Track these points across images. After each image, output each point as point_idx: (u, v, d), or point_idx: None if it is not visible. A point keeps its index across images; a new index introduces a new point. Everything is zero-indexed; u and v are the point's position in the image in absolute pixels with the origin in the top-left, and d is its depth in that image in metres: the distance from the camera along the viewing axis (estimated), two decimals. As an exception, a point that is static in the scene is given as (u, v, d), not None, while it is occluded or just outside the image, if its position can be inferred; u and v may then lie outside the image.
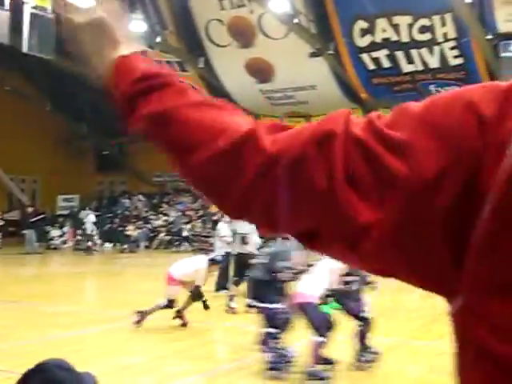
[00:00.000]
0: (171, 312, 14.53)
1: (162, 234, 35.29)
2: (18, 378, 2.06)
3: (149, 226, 36.64)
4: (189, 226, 35.05)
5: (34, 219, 33.22)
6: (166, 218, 37.33)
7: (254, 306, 9.80)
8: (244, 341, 11.59)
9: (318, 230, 1.02)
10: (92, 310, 14.91)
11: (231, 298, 14.80)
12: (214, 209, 35.11)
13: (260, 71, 32.86)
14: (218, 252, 17.63)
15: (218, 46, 32.70)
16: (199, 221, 35.43)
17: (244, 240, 13.88)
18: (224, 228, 17.98)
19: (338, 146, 1.01)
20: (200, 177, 1.14)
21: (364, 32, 29.58)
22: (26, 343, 11.03)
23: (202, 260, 13.53)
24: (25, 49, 30.07)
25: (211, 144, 1.10)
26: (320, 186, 0.99)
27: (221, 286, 17.37)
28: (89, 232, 33.06)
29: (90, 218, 33.56)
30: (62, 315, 14.42)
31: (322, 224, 1.01)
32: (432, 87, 30.63)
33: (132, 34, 1.32)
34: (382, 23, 29.09)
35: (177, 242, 34.09)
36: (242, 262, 14.56)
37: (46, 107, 40.30)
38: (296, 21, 29.23)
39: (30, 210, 34.61)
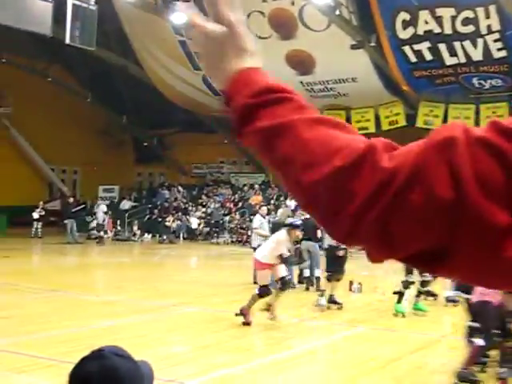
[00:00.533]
0: (212, 302, 14.59)
1: (201, 226, 35.39)
2: (75, 364, 2.05)
3: (188, 217, 36.77)
4: (227, 218, 35.11)
5: (75, 209, 33.51)
6: (204, 209, 37.42)
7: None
8: (285, 334, 11.58)
9: (449, 244, 0.93)
10: (133, 300, 14.99)
11: (322, 293, 14.41)
12: (252, 201, 35.15)
13: (301, 63, 32.69)
14: (254, 243, 17.74)
15: (258, 37, 32.57)
16: (238, 213, 35.46)
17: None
18: (257, 221, 18.07)
19: (461, 149, 0.95)
20: (312, 195, 1.05)
21: (406, 24, 29.26)
22: (66, 332, 11.13)
23: (280, 232, 13.41)
24: (67, 40, 30.29)
25: (327, 162, 1.04)
26: (447, 194, 0.93)
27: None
28: (100, 222, 33.03)
29: (101, 207, 33.38)
30: (103, 305, 14.52)
31: (454, 236, 0.93)
32: (475, 80, 30.25)
33: (255, 46, 1.29)
34: (424, 15, 28.74)
35: (215, 234, 34.15)
36: (333, 255, 14.09)
37: (86, 99, 40.61)
38: (337, 12, 29.01)
39: (70, 200, 34.93)
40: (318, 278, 16.79)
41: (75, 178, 46.41)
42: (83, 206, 38.05)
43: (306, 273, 16.92)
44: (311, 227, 17.05)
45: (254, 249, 16.59)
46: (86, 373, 1.98)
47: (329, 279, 13.85)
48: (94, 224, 34.93)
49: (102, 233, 32.37)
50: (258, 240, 17.49)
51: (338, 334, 11.60)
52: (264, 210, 19.19)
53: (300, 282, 17.58)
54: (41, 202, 34.59)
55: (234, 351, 10.18)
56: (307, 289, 16.73)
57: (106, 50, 35.87)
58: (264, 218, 18.36)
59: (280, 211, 20.21)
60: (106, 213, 33.27)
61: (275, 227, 17.91)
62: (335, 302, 14.03)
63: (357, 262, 26.01)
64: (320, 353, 10.68)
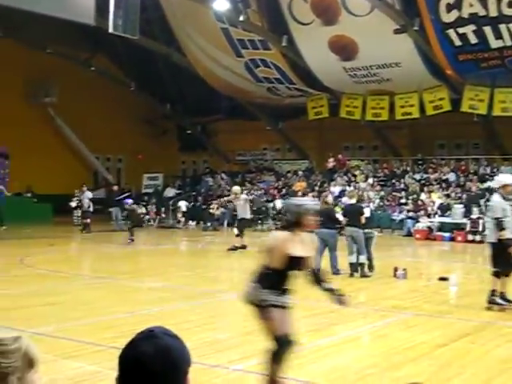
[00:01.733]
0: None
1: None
2: (125, 345, 2.07)
3: (232, 204, 36.83)
4: (271, 205, 35.12)
5: (120, 197, 33.80)
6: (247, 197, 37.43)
7: None
8: (329, 320, 11.57)
9: None
10: (178, 287, 15.11)
11: (493, 293, 12.76)
12: (296, 187, 35.12)
13: (343, 49, 32.52)
14: None
15: (301, 23, 32.49)
16: (282, 199, 35.41)
17: (499, 225, 12.48)
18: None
19: None
20: None
21: (450, 7, 28.90)
22: (113, 318, 11.25)
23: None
24: (110, 29, 30.51)
25: None
26: None
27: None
28: (85, 208, 31.85)
29: (86, 194, 32.24)
30: (149, 291, 14.66)
31: None
32: (521, 63, 29.80)
33: None
34: (469, -2, 28.42)
35: (259, 221, 34.17)
36: (504, 250, 12.79)
37: (130, 87, 40.91)
38: (380, -3, 28.83)
39: (115, 188, 35.25)
40: (362, 265, 16.75)
41: (120, 167, 46.83)
42: (128, 193, 38.37)
43: (351, 259, 16.87)
44: (355, 213, 17.01)
45: None
46: (140, 353, 2.00)
47: (497, 275, 12.82)
48: (139, 211, 35.08)
49: (88, 220, 31.39)
50: None
51: (383, 321, 11.56)
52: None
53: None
54: (76, 191, 34.50)
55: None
56: (351, 275, 16.67)
57: (148, 38, 36.05)
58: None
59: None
60: (91, 199, 32.32)
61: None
62: (508, 300, 12.96)
63: (402, 249, 25.93)
64: (364, 339, 10.66)
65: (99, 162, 44.36)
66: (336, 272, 16.81)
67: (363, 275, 16.63)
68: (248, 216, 23.96)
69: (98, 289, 14.85)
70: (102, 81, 39.94)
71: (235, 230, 23.29)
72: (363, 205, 19.22)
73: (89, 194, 32.14)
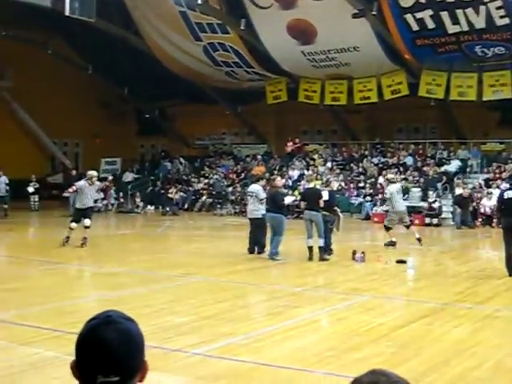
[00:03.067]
0: (216, 273, 14.67)
1: (204, 197, 35.42)
2: (82, 331, 2.03)
3: (191, 188, 36.82)
4: (230, 189, 35.12)
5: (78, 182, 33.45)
6: (207, 180, 37.42)
7: None
8: (288, 303, 11.62)
9: None
10: (137, 272, 15.04)
11: None
12: (255, 171, 35.14)
13: (302, 33, 32.47)
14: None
15: (259, 7, 32.37)
16: (241, 184, 35.45)
17: None
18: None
19: None
20: None
21: (408, -8, 29.06)
22: (71, 303, 11.19)
23: None
24: (67, 12, 30.18)
25: None
26: None
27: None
28: (3, 193, 31.25)
29: (2, 179, 31.54)
30: (108, 276, 14.59)
31: None
32: (477, 48, 30.02)
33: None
34: (426, -18, 28.58)
35: (219, 205, 34.17)
36: None
37: (87, 71, 40.45)
38: (339, -19, 28.84)
39: (73, 173, 34.91)
40: (321, 248, 16.80)
41: (77, 151, 46.39)
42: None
43: (309, 242, 16.89)
44: (313, 196, 17.04)
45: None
46: (104, 339, 1.96)
47: None
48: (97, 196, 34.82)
49: (5, 205, 30.92)
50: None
51: (342, 303, 11.64)
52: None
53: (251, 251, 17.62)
54: (33, 176, 34.34)
55: (237, 320, 10.23)
56: (310, 259, 16.72)
57: (106, 21, 35.64)
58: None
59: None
60: (7, 184, 31.91)
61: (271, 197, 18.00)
62: None
63: (360, 232, 26.13)
64: (323, 322, 10.73)
65: (56, 147, 43.85)
66: (272, 257, 16.80)
67: (322, 259, 16.69)
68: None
69: (56, 274, 14.72)
70: (59, 64, 39.40)
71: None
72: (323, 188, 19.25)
73: (5, 179, 31.65)
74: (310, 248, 16.83)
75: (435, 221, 27.98)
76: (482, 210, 27.53)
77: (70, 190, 22.17)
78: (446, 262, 18.13)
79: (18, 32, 36.67)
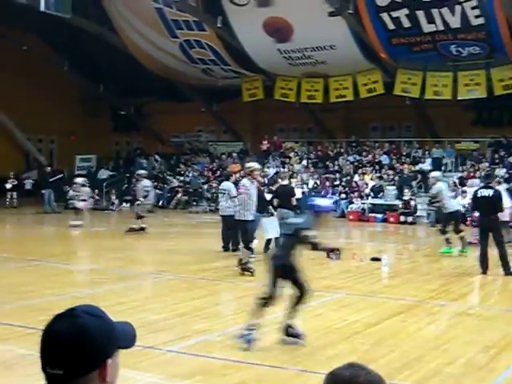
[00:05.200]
0: (190, 270, 14.64)
1: (180, 195, 35.33)
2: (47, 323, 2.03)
3: (166, 186, 36.71)
4: (206, 187, 35.06)
5: (52, 179, 33.30)
6: (182, 178, 37.35)
7: None
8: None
9: None
10: (111, 269, 14.97)
11: None
12: (231, 169, 35.08)
13: (278, 31, 32.49)
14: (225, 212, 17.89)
15: (236, 5, 32.34)
16: (216, 181, 35.38)
17: None
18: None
19: None
20: None
21: (384, -10, 29.17)
22: (44, 301, 11.10)
23: None
24: (42, 7, 29.98)
25: None
26: None
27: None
28: None
29: None
30: (82, 273, 14.52)
31: None
32: (452, 48, 30.22)
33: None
34: (402, -19, 28.71)
35: (194, 203, 34.10)
36: None
37: (63, 67, 40.16)
38: (315, -21, 28.89)
39: (47, 169, 34.70)
40: None
41: (52, 148, 46.07)
42: (61, 175, 37.79)
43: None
44: (286, 194, 17.02)
45: None
46: (55, 331, 1.96)
47: None
48: (72, 193, 34.70)
49: None
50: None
51: (317, 301, 11.63)
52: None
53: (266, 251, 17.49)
54: (11, 173, 34.27)
55: (212, 318, 10.22)
56: None
57: (81, 17, 35.44)
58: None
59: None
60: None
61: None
62: None
63: (335, 230, 26.19)
64: (298, 318, 10.72)
65: (31, 143, 43.53)
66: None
67: None
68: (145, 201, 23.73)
69: (29, 272, 14.61)
70: (35, 60, 39.06)
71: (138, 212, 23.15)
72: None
73: None
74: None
75: (410, 219, 28.12)
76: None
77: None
78: (420, 260, 18.22)
79: (-7, 27, 36.35)
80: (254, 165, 15.07)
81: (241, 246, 14.32)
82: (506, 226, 19.16)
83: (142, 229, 22.76)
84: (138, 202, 23.28)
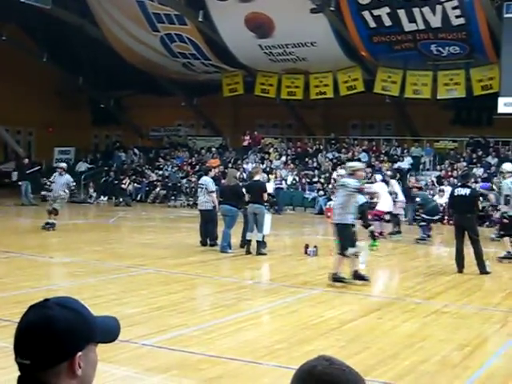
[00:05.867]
0: (168, 264, 14.62)
1: (158, 189, 35.25)
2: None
3: (145, 180, 36.61)
4: (185, 181, 35.01)
5: (30, 171, 33.11)
6: (161, 172, 37.27)
7: None
8: (240, 295, 11.63)
9: None
10: (88, 262, 14.91)
11: None
12: (210, 163, 35.03)
13: (260, 26, 32.45)
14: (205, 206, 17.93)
15: (218, -1, 32.31)
16: (195, 176, 35.33)
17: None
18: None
19: None
20: None
21: (366, -12, 29.22)
22: (21, 293, 11.03)
23: None
24: (22, -2, 29.72)
25: None
26: None
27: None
28: None
29: None
30: (59, 266, 14.44)
31: None
32: (433, 47, 30.35)
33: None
34: (384, -20, 28.77)
35: (172, 197, 34.05)
36: None
37: (42, 58, 39.87)
38: (297, -25, 28.89)
39: (25, 161, 34.47)
40: (259, 242, 16.72)
41: (30, 140, 45.80)
42: (38, 167, 37.57)
43: (249, 236, 16.77)
44: (258, 189, 17.01)
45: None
46: (25, 322, 1.96)
47: None
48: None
49: None
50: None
51: (293, 296, 11.69)
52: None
53: (242, 246, 17.50)
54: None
55: (188, 312, 10.22)
56: (248, 252, 16.65)
57: (62, 9, 35.22)
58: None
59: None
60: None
61: (223, 190, 18.04)
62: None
63: (313, 226, 26.26)
64: (275, 314, 10.75)
65: (9, 135, 43.24)
66: (223, 249, 16.87)
67: (259, 253, 16.58)
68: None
69: (5, 263, 14.52)
70: (13, 51, 38.71)
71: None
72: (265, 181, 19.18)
73: None
74: (249, 241, 16.78)
75: (387, 217, 28.17)
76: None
77: None
78: (397, 258, 18.32)
79: (-29, 18, 36.02)
80: (357, 164, 14.23)
81: (351, 252, 12.76)
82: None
83: (53, 225, 21.21)
84: (62, 196, 21.77)
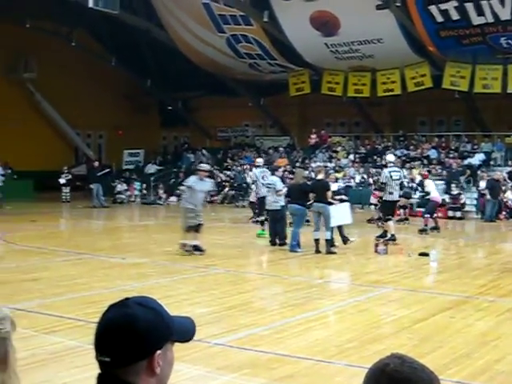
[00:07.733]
0: (237, 264, 14.69)
1: (227, 189, 35.43)
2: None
3: (213, 180, 36.83)
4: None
5: (100, 173, 33.68)
6: (229, 172, 37.46)
7: None
8: (310, 294, 11.61)
9: None
10: (159, 262, 15.10)
11: None
12: (278, 163, 35.09)
13: (325, 24, 32.34)
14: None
15: (282, -1, 32.31)
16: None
17: None
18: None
19: None
20: None
21: (433, -17, 28.85)
22: (94, 293, 11.24)
23: None
24: (91, 4, 30.30)
25: None
26: None
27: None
28: None
29: None
30: (130, 267, 14.64)
31: None
32: (502, 40, 29.75)
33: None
34: (451, -26, 28.35)
35: (240, 197, 34.18)
36: None
37: (111, 63, 40.55)
38: (362, -28, 28.71)
39: (96, 164, 35.12)
40: (327, 241, 16.65)
41: (100, 143, 46.60)
42: (109, 170, 38.18)
43: (316, 235, 16.74)
44: (321, 189, 16.96)
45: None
46: (106, 320, 2.00)
47: None
48: (120, 188, 35.26)
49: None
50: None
51: (364, 295, 11.61)
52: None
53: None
54: (65, 167, 34.85)
55: (258, 312, 10.25)
56: (317, 251, 16.58)
57: (129, 13, 35.76)
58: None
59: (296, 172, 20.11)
60: (2, 175, 32.30)
61: (291, 189, 18.02)
62: None
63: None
64: (345, 313, 10.70)
65: (80, 138, 44.11)
66: (293, 249, 16.83)
67: (328, 252, 16.53)
68: None
69: (79, 265, 14.80)
70: (83, 56, 39.55)
71: None
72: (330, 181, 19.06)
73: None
74: (317, 240, 16.69)
75: (458, 214, 27.82)
76: (504, 203, 27.37)
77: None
78: (469, 255, 18.04)
79: (43, 24, 36.85)
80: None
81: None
82: None
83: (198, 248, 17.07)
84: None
